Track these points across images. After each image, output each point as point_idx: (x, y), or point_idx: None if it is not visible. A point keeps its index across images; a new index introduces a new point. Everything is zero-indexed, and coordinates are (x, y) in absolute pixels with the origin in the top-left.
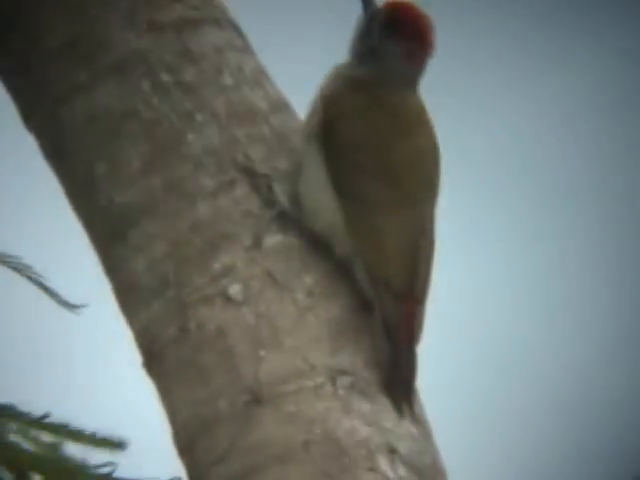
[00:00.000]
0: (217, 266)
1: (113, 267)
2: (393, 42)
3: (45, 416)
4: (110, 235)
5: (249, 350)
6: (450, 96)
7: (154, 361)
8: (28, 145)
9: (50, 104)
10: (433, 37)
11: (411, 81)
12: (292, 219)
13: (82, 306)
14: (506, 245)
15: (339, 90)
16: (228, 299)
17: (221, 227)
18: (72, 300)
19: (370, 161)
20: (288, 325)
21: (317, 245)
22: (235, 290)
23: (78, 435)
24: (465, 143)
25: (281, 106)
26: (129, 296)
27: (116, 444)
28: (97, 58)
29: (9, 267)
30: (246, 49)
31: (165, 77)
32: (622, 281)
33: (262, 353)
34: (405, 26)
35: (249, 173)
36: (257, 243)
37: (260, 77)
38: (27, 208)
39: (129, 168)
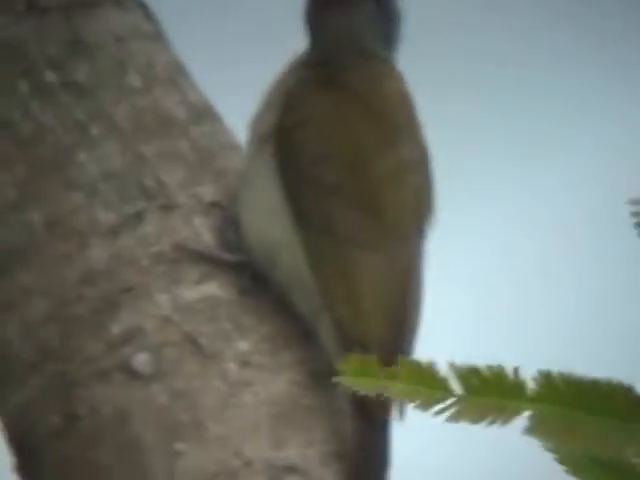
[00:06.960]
0: (117, 330)
1: None
2: None
3: None
4: None
5: (161, 442)
6: None
7: (29, 461)
8: None
9: None
10: None
11: (372, 37)
12: (221, 263)
13: None
14: None
15: (302, 84)
16: (132, 373)
17: (123, 276)
18: None
19: (342, 180)
20: (215, 407)
21: (259, 297)
22: (141, 361)
23: None
24: None
25: (205, 114)
26: None
27: None
28: None
29: None
30: (158, 37)
31: (49, 76)
32: None
33: (179, 446)
34: None
35: (161, 203)
36: (173, 297)
37: (177, 75)
38: None
39: (0, 200)
